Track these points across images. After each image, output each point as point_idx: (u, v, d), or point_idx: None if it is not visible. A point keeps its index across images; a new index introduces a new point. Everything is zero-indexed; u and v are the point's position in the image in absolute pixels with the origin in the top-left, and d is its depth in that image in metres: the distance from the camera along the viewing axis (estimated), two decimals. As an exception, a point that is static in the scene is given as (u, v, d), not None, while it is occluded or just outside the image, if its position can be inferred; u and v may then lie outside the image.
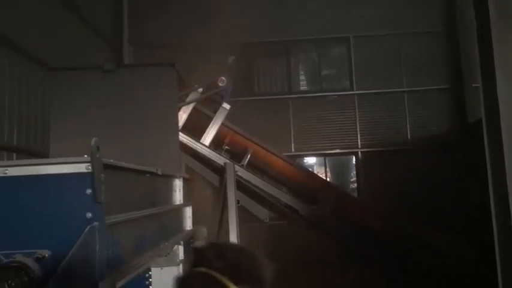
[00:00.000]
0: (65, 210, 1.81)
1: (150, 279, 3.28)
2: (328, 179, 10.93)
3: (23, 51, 6.42)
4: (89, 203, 1.80)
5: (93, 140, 1.80)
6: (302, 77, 12.41)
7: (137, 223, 2.66)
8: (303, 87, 12.32)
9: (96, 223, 1.81)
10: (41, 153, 6.03)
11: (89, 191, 1.81)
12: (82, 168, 1.82)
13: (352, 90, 11.33)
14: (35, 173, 1.83)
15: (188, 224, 4.40)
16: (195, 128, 5.86)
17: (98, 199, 1.81)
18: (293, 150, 11.33)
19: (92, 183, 1.80)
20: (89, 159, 1.81)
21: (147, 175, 2.97)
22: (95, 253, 1.80)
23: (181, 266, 3.85)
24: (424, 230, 6.76)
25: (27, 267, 1.70)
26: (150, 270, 3.28)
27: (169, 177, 3.83)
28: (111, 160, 2.09)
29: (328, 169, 12.82)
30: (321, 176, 9.77)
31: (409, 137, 10.77)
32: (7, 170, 1.83)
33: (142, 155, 3.02)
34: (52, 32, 6.94)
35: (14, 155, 6.01)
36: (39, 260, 1.74)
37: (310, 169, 10.63)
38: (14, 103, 6.26)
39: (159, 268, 3.56)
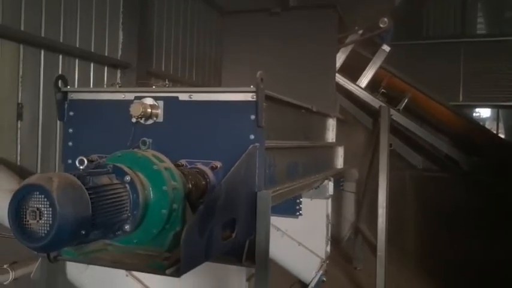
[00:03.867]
0: (233, 131, 2.19)
1: (301, 205, 3.58)
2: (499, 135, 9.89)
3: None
4: (253, 127, 2.15)
5: (258, 73, 2.09)
6: (479, 19, 11.10)
7: (290, 152, 2.97)
8: (480, 31, 11.05)
9: (257, 144, 2.16)
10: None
11: (252, 117, 2.15)
12: (248, 96, 2.15)
13: (542, 34, 9.79)
14: (212, 98, 2.23)
15: (339, 163, 4.60)
16: (353, 70, 5.87)
17: (260, 124, 2.14)
18: (461, 99, 10.49)
19: (255, 110, 2.12)
20: (254, 89, 2.12)
21: (303, 110, 3.23)
22: (255, 168, 2.17)
23: (329, 200, 4.11)
24: None
25: (204, 173, 2.15)
26: (301, 197, 3.59)
27: (323, 116, 4.05)
28: (272, 92, 2.37)
29: (501, 124, 11.57)
30: (489, 129, 8.88)
31: None
32: (192, 95, 2.26)
33: (301, 92, 3.26)
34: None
35: (192, 89, 6.95)
36: (213, 168, 2.17)
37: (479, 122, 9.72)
38: (193, 44, 7.14)
39: (309, 199, 3.88)
